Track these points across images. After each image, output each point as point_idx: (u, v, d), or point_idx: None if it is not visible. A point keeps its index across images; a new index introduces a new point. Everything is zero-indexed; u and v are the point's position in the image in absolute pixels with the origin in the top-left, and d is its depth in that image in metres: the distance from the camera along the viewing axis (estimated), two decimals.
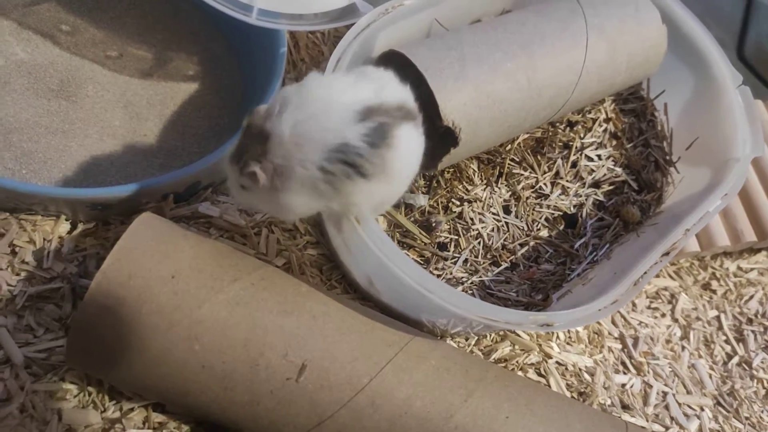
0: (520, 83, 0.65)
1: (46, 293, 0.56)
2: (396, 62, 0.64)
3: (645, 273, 0.59)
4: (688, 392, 0.74)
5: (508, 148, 0.75)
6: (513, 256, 0.71)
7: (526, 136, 0.76)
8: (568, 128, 0.79)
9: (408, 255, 0.67)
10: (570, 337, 0.72)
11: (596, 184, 0.77)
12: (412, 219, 0.69)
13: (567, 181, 0.76)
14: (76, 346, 0.49)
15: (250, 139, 0.47)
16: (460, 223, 0.71)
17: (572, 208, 0.75)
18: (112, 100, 0.70)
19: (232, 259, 0.53)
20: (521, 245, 0.72)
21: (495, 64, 0.64)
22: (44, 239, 0.58)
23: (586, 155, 0.78)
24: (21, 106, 0.67)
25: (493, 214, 0.72)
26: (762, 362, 0.80)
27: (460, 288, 0.67)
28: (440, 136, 0.71)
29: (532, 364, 0.68)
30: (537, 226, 0.73)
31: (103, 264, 0.48)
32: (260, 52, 0.70)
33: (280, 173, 0.46)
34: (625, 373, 0.73)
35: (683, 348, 0.78)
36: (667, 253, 0.61)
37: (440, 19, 0.71)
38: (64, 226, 0.59)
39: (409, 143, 0.49)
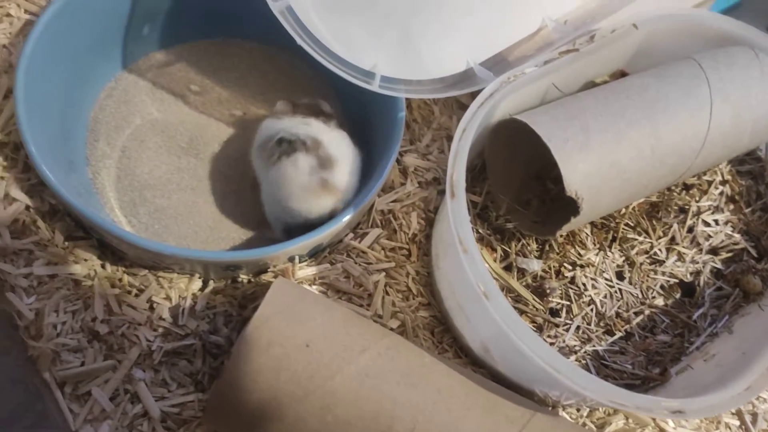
0: (644, 152, 0.64)
1: (180, 349, 0.59)
2: (514, 128, 0.65)
3: None
4: None
5: (622, 213, 0.73)
6: (627, 325, 0.69)
7: (641, 200, 0.74)
8: (683, 191, 0.76)
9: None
10: None
11: (714, 251, 0.74)
12: (525, 284, 0.69)
13: (683, 246, 0.73)
14: (216, 408, 0.51)
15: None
16: (572, 289, 0.70)
17: (689, 276, 0.72)
18: (236, 157, 0.74)
19: (359, 327, 0.54)
20: (636, 314, 0.70)
21: (619, 133, 0.63)
22: (179, 296, 0.61)
23: (702, 220, 0.75)
24: (155, 163, 0.72)
25: (606, 279, 0.71)
26: None
27: (573, 357, 0.66)
28: (558, 202, 0.71)
29: None
30: (652, 293, 0.71)
31: (244, 330, 0.50)
32: (377, 115, 0.72)
33: None
34: None
35: None
36: None
37: (556, 82, 0.71)
38: (196, 284, 0.62)
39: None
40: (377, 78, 0.66)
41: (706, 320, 0.70)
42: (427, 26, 0.68)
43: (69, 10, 0.65)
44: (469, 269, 0.53)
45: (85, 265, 0.60)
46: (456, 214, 0.56)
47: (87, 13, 0.67)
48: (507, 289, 0.68)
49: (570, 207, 0.63)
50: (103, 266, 0.61)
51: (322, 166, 0.64)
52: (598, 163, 0.62)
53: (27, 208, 0.61)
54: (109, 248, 0.62)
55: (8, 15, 0.70)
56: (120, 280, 0.61)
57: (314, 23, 0.65)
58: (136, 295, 0.60)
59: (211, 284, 0.62)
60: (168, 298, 0.61)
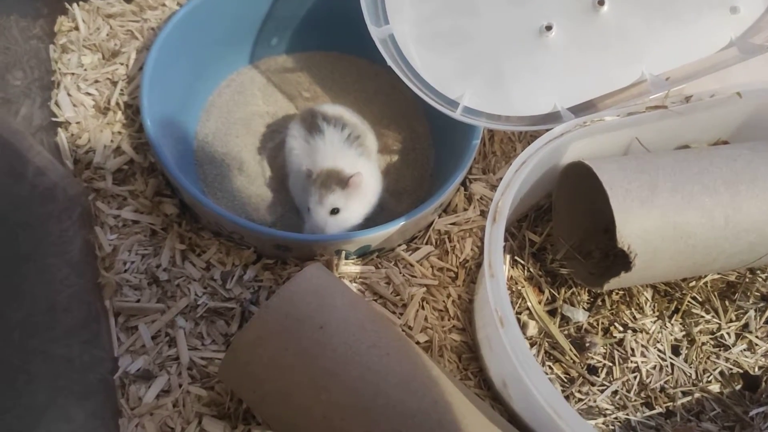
0: (716, 221, 0.60)
1: (221, 310, 0.64)
2: (586, 175, 0.64)
3: None
4: None
5: (691, 284, 0.69)
6: (671, 403, 0.64)
7: (716, 276, 0.69)
8: None
9: (552, 368, 0.65)
10: None
11: None
12: (566, 333, 0.66)
13: (756, 336, 0.67)
14: (229, 362, 0.55)
15: None
16: (618, 351, 0.66)
17: (756, 369, 0.66)
18: None
19: (376, 325, 0.56)
20: (684, 393, 0.64)
21: (690, 196, 0.60)
22: (233, 263, 0.67)
23: None
24: (251, 149, 0.80)
25: (659, 351, 0.67)
26: None
27: (601, 420, 0.62)
28: (613, 256, 0.68)
29: None
30: (708, 377, 0.65)
31: (269, 299, 0.55)
32: (455, 139, 0.75)
33: None
34: None
35: None
36: None
37: (643, 138, 0.69)
38: (251, 257, 0.67)
39: None
40: (460, 107, 0.69)
41: (766, 422, 0.63)
42: (518, 69, 0.70)
43: (206, 8, 0.75)
44: (491, 294, 0.54)
45: (165, 220, 0.68)
46: (493, 239, 0.56)
47: (222, 14, 0.77)
48: (545, 334, 0.66)
49: (626, 265, 0.61)
50: (179, 224, 0.69)
51: None
52: (660, 222, 0.59)
53: (131, 161, 0.70)
54: (188, 210, 0.70)
55: (163, 5, 0.82)
56: (189, 238, 0.68)
57: (410, 52, 0.70)
58: (199, 255, 0.67)
59: (263, 260, 0.68)
60: (223, 263, 0.67)
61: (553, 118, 0.70)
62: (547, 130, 0.65)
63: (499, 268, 0.54)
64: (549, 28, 0.69)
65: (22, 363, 0.54)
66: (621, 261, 0.62)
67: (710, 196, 0.60)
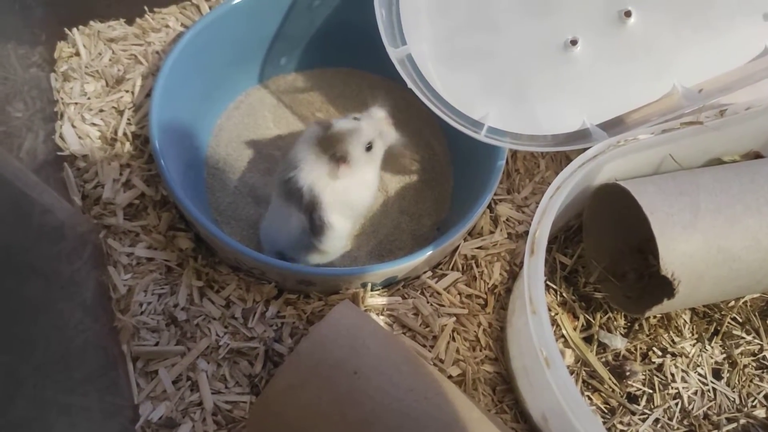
0: (761, 243, 0.57)
1: (244, 350, 0.61)
2: (618, 194, 0.62)
3: None
4: None
5: (730, 305, 0.66)
6: (716, 431, 0.61)
7: (756, 295, 0.66)
8: None
9: (591, 399, 0.62)
10: None
11: None
12: (604, 360, 0.64)
13: None
14: (259, 414, 0.52)
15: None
16: (657, 377, 0.64)
17: None
18: None
19: (412, 366, 0.54)
20: (728, 420, 0.62)
21: (734, 217, 0.57)
22: (254, 300, 0.64)
23: None
24: (263, 174, 0.77)
25: (700, 375, 0.64)
26: None
27: None
28: (657, 281, 0.65)
29: None
30: (752, 402, 0.63)
31: (299, 345, 0.52)
32: (478, 157, 0.72)
33: None
34: None
35: None
36: None
37: (675, 154, 0.67)
38: (272, 292, 0.64)
39: None
40: (485, 128, 0.65)
41: None
42: (543, 86, 0.67)
43: (213, 30, 0.72)
44: (534, 332, 0.51)
45: (180, 255, 0.65)
46: (532, 273, 0.54)
47: (230, 35, 0.74)
48: (582, 362, 0.63)
49: (667, 288, 0.58)
50: (195, 259, 0.65)
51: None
52: (704, 246, 0.57)
53: (142, 195, 0.67)
54: (204, 243, 0.66)
55: (167, 26, 0.79)
56: (207, 274, 0.65)
57: (429, 72, 0.67)
58: (217, 291, 0.64)
59: (285, 295, 0.65)
60: (243, 299, 0.64)
61: (582, 135, 0.67)
62: (578, 150, 0.62)
63: (541, 304, 0.51)
64: (574, 42, 0.66)
65: (37, 415, 0.51)
66: (658, 283, 0.60)
67: (753, 216, 0.58)
